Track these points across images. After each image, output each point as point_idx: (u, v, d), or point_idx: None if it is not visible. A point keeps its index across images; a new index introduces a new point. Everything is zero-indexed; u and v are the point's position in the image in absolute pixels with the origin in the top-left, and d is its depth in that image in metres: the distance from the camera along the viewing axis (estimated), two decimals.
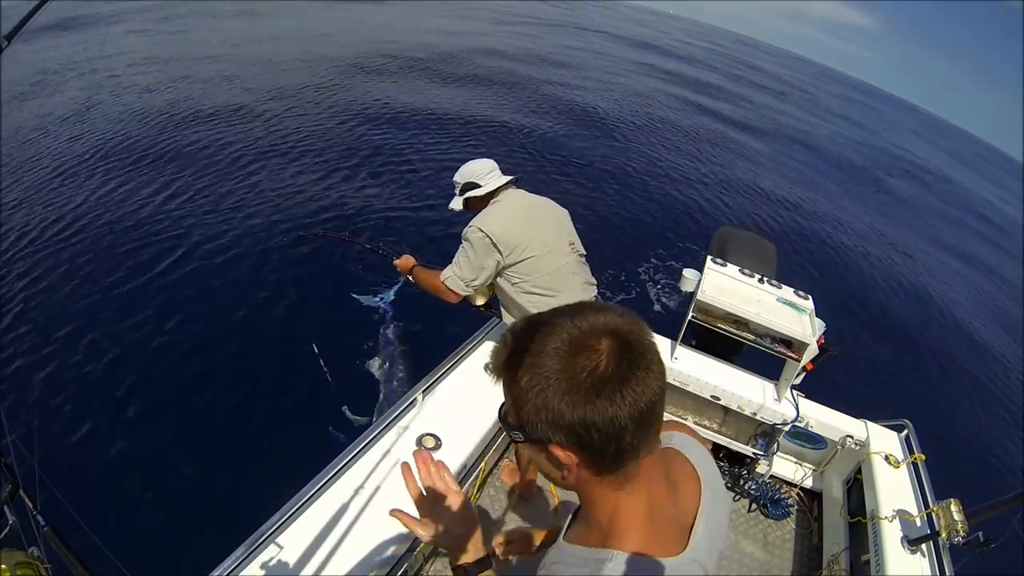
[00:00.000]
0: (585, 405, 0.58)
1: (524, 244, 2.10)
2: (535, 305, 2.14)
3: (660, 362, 0.63)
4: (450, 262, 2.21)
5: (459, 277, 2.15)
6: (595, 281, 2.35)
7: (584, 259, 2.32)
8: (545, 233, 2.17)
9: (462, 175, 2.24)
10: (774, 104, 24.43)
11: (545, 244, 2.14)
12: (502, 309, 2.35)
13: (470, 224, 2.13)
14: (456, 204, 2.30)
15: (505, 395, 0.66)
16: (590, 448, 0.61)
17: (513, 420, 0.66)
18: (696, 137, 13.37)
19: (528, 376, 0.61)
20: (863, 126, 30.05)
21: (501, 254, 2.09)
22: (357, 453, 1.87)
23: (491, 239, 2.06)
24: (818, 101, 33.02)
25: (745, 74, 32.96)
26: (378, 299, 4.95)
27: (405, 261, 2.46)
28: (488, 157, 2.29)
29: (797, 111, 25.06)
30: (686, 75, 23.37)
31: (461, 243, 2.16)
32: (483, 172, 2.21)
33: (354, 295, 4.87)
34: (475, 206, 2.24)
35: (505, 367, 0.65)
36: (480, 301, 2.44)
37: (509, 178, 2.25)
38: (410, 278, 2.43)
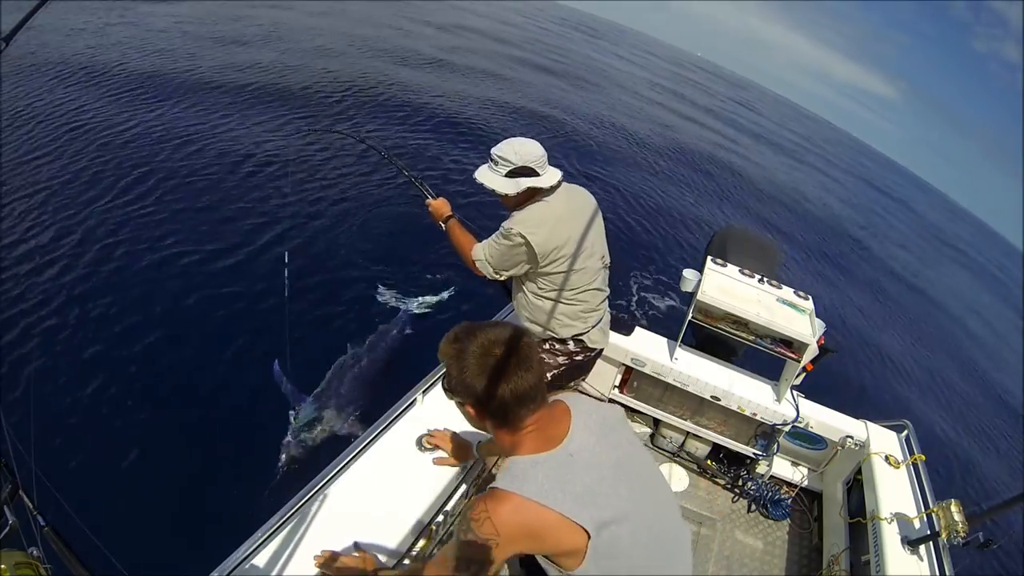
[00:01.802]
0: (485, 385, 1.04)
1: (565, 256, 1.97)
2: (552, 308, 2.07)
3: (539, 364, 1.09)
4: (487, 236, 2.05)
5: (490, 264, 2.02)
6: (609, 291, 2.27)
7: (607, 269, 2.23)
8: (586, 246, 2.03)
9: (517, 155, 1.90)
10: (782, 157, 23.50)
11: (584, 258, 2.03)
12: (514, 301, 2.25)
13: (513, 222, 1.93)
14: (498, 185, 1.94)
15: (446, 369, 1.11)
16: (487, 410, 1.08)
17: (448, 386, 1.12)
18: (696, 151, 13.38)
19: (458, 363, 1.07)
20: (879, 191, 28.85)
21: (538, 263, 1.96)
22: (357, 453, 1.87)
23: (534, 249, 1.91)
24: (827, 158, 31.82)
25: (756, 123, 31.96)
26: (403, 302, 4.95)
27: (442, 205, 2.24)
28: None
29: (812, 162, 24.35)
30: (691, 110, 22.95)
31: (500, 233, 1.97)
32: (540, 159, 1.93)
33: (380, 287, 4.91)
34: (520, 197, 1.98)
35: (447, 355, 1.10)
36: (503, 277, 2.33)
37: (561, 174, 2.02)
38: (442, 226, 2.22)
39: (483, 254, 2.03)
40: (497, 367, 1.01)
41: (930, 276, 11.09)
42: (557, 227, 1.94)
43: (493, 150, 1.96)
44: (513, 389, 1.02)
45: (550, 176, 1.96)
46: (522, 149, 1.91)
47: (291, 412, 3.57)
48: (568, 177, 2.09)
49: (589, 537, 1.01)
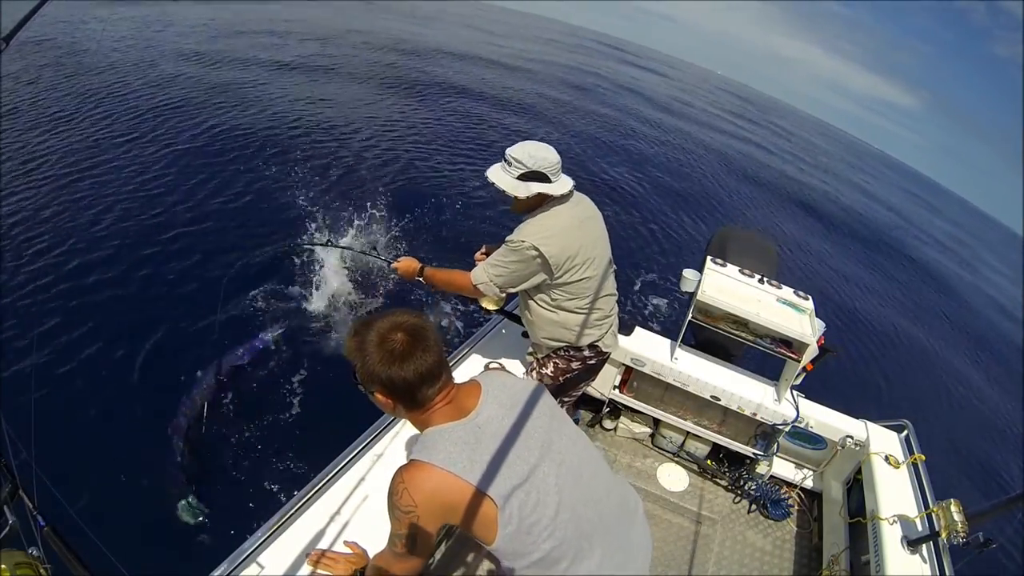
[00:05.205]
0: (387, 370, 1.06)
1: (578, 266, 1.97)
2: (568, 319, 2.07)
3: (436, 345, 1.10)
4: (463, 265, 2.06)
5: (496, 284, 1.98)
6: (616, 293, 2.26)
7: (614, 272, 2.22)
8: (596, 253, 2.03)
9: (532, 158, 1.88)
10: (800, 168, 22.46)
11: (596, 266, 2.02)
12: (523, 318, 2.23)
13: (522, 236, 1.91)
14: (508, 186, 1.91)
15: (352, 364, 1.11)
16: (395, 395, 1.10)
17: (357, 379, 1.12)
18: (703, 153, 13.32)
19: (360, 355, 1.08)
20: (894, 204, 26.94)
21: (552, 275, 1.95)
22: (355, 455, 1.87)
23: (548, 261, 1.90)
24: (846, 172, 30.04)
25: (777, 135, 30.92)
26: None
27: (408, 263, 2.25)
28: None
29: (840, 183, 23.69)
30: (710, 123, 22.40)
31: (507, 250, 1.95)
32: (555, 166, 1.91)
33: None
34: (530, 202, 1.96)
35: (350, 350, 1.11)
36: (490, 306, 2.38)
37: (573, 184, 2.00)
38: (421, 280, 2.22)
39: (486, 276, 2.00)
40: (396, 352, 1.05)
41: (929, 271, 11.08)
42: (567, 237, 1.93)
43: (508, 151, 1.94)
44: (415, 370, 1.05)
45: (562, 184, 1.94)
46: (537, 153, 1.89)
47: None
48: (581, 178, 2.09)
49: (499, 508, 1.04)
